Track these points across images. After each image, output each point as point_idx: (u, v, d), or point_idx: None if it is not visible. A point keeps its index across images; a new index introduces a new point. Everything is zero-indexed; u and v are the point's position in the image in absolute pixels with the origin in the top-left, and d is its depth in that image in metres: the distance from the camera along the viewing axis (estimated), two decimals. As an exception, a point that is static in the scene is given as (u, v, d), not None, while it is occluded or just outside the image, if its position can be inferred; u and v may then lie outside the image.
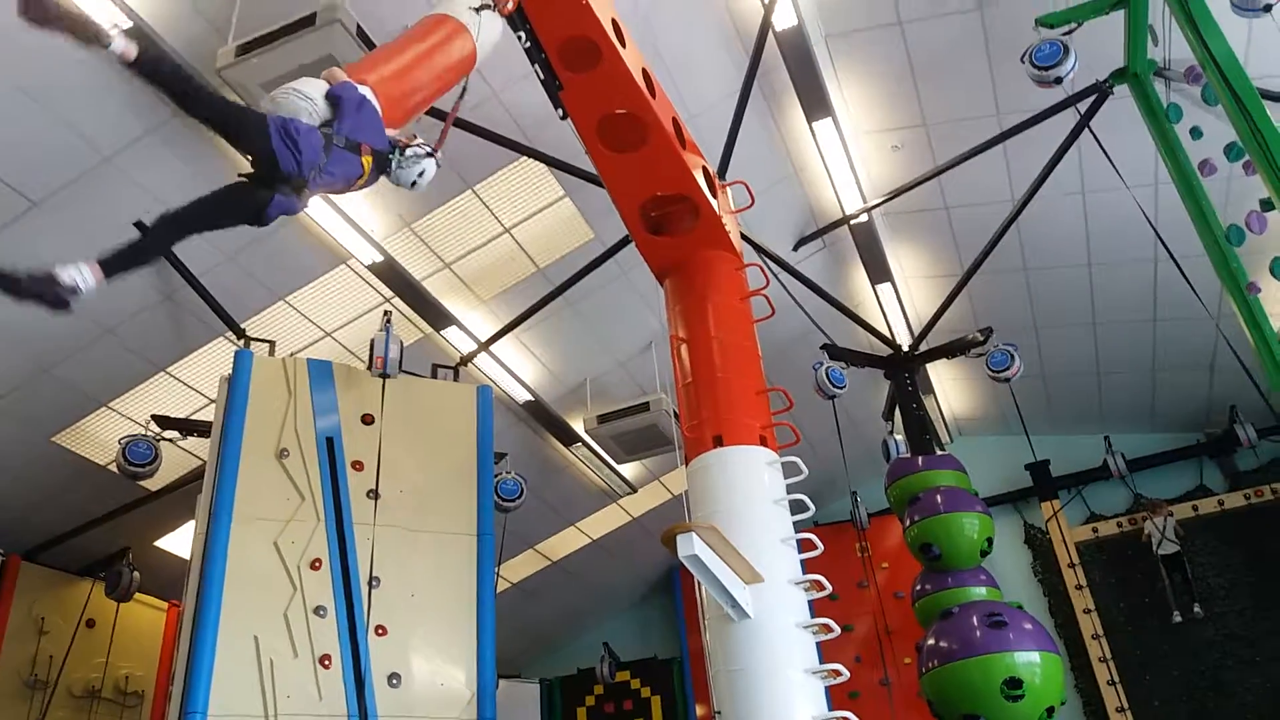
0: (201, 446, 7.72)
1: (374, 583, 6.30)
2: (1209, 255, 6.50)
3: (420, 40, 4.41)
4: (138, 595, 9.01)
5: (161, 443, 7.53)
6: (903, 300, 10.15)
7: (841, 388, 8.47)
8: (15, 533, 8.60)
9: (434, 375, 7.91)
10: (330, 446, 6.63)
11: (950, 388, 12.01)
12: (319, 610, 6.03)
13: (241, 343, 7.41)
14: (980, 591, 7.68)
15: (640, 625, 13.12)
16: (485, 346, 8.79)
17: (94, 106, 6.05)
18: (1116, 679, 10.30)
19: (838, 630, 5.40)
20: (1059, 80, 6.40)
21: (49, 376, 7.49)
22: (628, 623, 13.18)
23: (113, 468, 7.76)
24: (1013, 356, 8.56)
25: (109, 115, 6.11)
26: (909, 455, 8.78)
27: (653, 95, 5.72)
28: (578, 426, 10.15)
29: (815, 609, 5.74)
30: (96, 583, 8.95)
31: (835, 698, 5.68)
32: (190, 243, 7.27)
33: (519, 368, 9.37)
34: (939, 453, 8.83)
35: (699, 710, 11.90)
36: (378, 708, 5.89)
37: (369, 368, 7.07)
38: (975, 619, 6.86)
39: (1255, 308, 6.14)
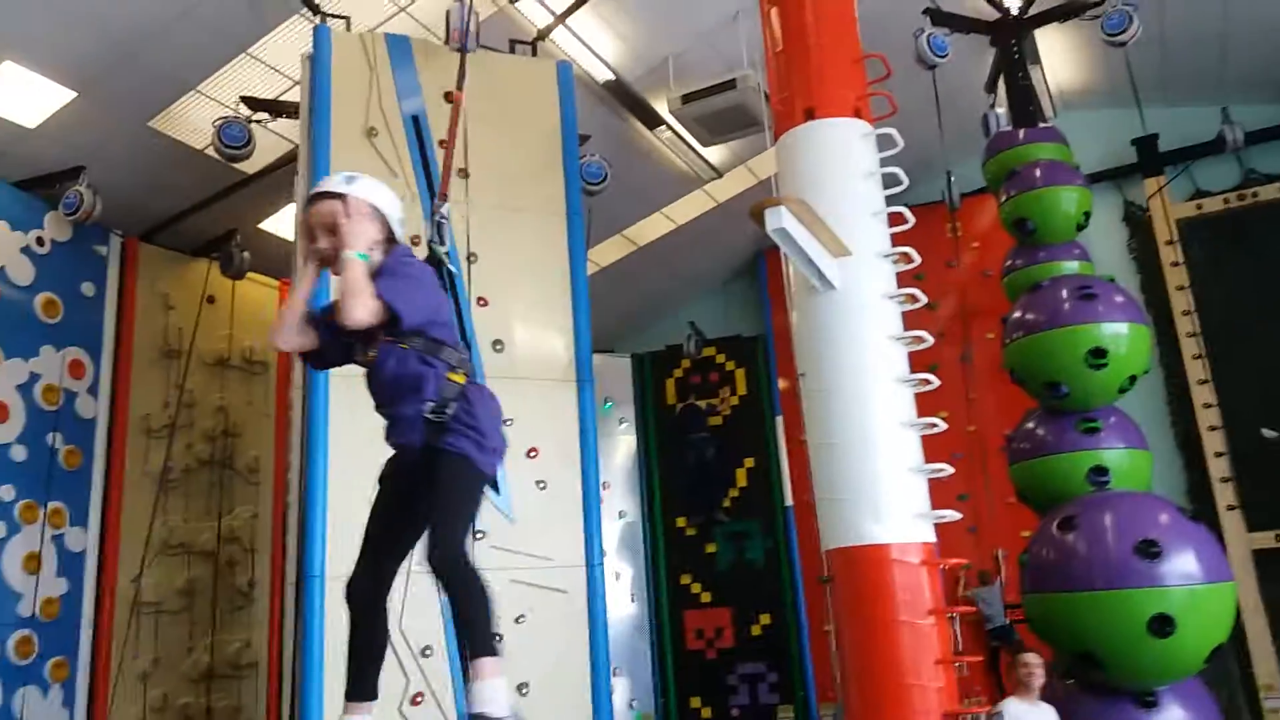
0: (292, 128, 7.80)
1: (472, 258, 6.53)
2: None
3: None
4: (249, 274, 9.54)
5: (253, 125, 7.62)
6: (1015, -42, 9.26)
7: (944, 56, 7.99)
8: (129, 218, 9.01)
9: (511, 51, 7.68)
10: (417, 124, 6.63)
11: (1058, 57, 11.20)
12: (422, 284, 6.32)
13: (317, 19, 7.24)
14: (1072, 266, 7.63)
15: (725, 306, 13.48)
16: (562, 19, 8.41)
17: None
18: (1203, 353, 10.35)
19: (924, 299, 5.48)
20: None
21: (135, 62, 7.49)
22: (713, 304, 13.54)
23: (210, 151, 7.94)
24: (1130, 18, 7.90)
25: None
26: (1010, 129, 8.43)
27: None
28: (661, 108, 9.89)
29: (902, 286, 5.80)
30: (211, 262, 9.47)
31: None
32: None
33: (598, 44, 9.01)
34: (1042, 126, 8.45)
35: (781, 383, 12.47)
36: (484, 370, 6.32)
37: (445, 42, 6.90)
38: (1065, 291, 6.87)
39: None
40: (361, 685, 2.99)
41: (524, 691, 5.84)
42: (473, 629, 2.81)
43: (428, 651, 5.72)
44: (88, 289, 8.62)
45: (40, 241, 8.19)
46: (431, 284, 3.04)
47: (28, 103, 7.52)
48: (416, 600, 5.78)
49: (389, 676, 5.57)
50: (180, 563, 8.75)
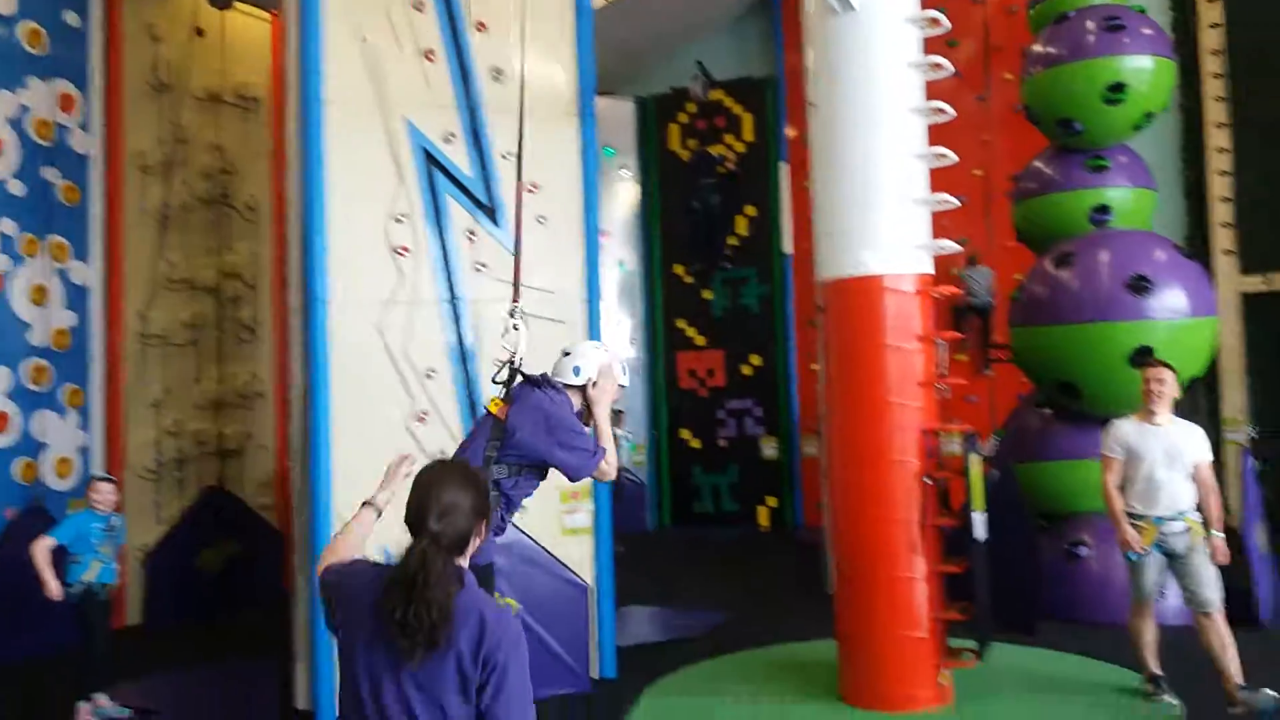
0: None
1: (469, -22, 6.18)
2: None
3: None
4: (239, 6, 9.06)
5: None
6: None
7: None
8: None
9: None
10: None
11: None
12: (418, 6, 6.02)
13: None
14: (1104, -4, 7.24)
15: (736, 45, 12.89)
16: None
17: None
18: (1226, 96, 10.03)
19: (946, 24, 5.23)
20: None
21: None
22: (723, 43, 12.94)
23: None
24: None
25: None
26: None
27: None
28: None
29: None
30: (197, -8, 8.98)
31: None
32: None
33: None
34: None
35: (789, 132, 12.17)
36: (483, 100, 6.14)
37: None
38: (1091, 22, 6.57)
39: None
40: None
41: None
42: None
43: (431, 374, 5.92)
44: (71, 19, 8.24)
45: (20, -31, 7.74)
46: None
47: None
48: (416, 330, 5.93)
49: (397, 395, 5.84)
50: (184, 298, 8.87)
